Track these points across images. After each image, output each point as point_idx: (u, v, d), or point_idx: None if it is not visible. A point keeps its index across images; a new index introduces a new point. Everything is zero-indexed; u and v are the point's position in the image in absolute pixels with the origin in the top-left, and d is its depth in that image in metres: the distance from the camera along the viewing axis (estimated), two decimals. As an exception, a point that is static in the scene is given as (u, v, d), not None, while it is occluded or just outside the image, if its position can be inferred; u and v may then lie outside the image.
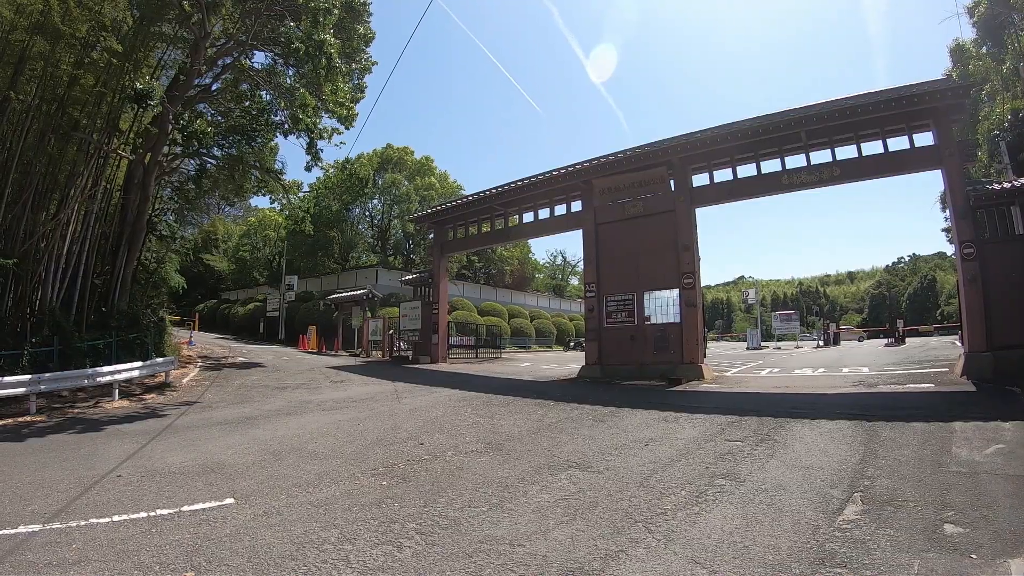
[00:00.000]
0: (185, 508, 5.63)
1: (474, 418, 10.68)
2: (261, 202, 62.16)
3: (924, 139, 14.73)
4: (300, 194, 30.52)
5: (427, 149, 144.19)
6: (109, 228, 18.64)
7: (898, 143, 14.99)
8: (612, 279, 18.25)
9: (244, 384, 16.83)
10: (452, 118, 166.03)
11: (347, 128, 21.61)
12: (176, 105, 17.73)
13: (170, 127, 17.84)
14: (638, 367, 16.80)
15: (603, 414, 10.57)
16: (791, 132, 15.50)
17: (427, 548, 4.51)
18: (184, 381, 17.22)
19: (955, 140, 14.34)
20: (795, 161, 16.24)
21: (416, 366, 23.53)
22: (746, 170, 16.87)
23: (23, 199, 14.96)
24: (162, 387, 15.95)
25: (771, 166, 16.51)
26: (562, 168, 19.92)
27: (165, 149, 20.13)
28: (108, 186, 18.52)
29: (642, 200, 18.13)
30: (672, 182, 17.75)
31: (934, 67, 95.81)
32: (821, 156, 15.85)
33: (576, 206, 20.32)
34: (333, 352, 32.01)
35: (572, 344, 46.33)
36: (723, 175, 17.30)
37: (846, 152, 15.62)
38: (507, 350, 35.84)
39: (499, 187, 22.16)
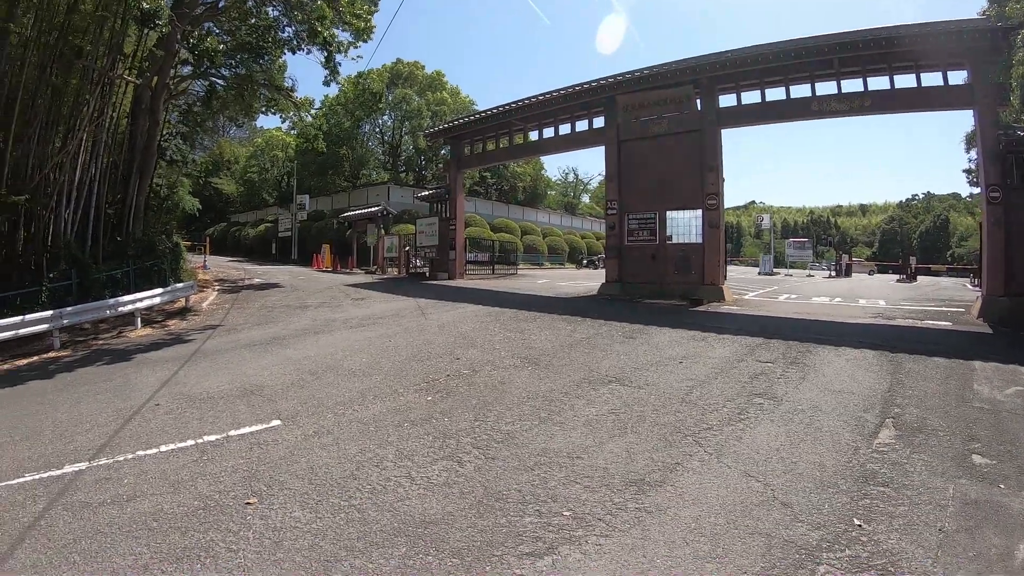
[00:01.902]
0: (232, 432, 5.59)
1: (504, 333, 10.85)
2: (268, 123, 60.59)
3: (958, 77, 14.22)
4: (312, 111, 29.74)
5: (438, 64, 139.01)
6: (119, 156, 18.20)
7: (931, 79, 14.44)
8: (634, 197, 18.00)
9: (265, 305, 16.78)
10: (466, 32, 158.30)
11: (364, 41, 20.91)
12: (184, 24, 16.91)
13: (178, 47, 17.08)
14: (659, 286, 16.89)
15: (631, 331, 10.75)
16: (823, 58, 14.89)
17: (487, 462, 4.63)
18: (204, 305, 17.27)
19: (990, 82, 13.72)
20: (825, 88, 15.63)
21: (434, 282, 23.71)
22: (774, 94, 16.29)
23: (29, 133, 14.51)
24: (183, 312, 15.92)
25: (800, 91, 15.89)
26: (585, 83, 19.17)
27: (172, 71, 19.43)
28: (115, 114, 17.94)
29: (667, 118, 17.59)
30: (699, 101, 17.15)
31: (967, 6, 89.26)
32: (852, 85, 15.30)
33: (598, 122, 19.77)
34: (348, 270, 32.15)
35: (585, 262, 46.30)
36: (751, 97, 16.72)
37: (878, 83, 15.09)
38: (521, 267, 35.92)
39: (518, 101, 21.42)
